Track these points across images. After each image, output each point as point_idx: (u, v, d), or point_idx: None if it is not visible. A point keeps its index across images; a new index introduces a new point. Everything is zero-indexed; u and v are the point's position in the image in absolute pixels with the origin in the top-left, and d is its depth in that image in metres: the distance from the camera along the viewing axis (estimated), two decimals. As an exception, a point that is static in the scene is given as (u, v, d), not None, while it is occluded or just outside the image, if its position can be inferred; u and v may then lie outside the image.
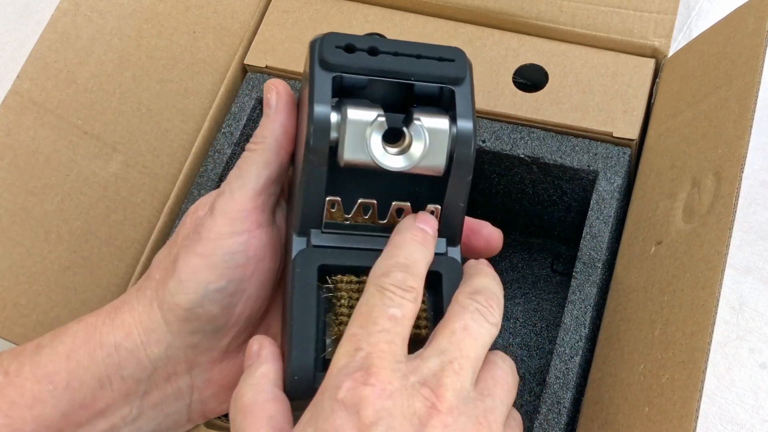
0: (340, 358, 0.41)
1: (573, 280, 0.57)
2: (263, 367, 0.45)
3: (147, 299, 0.49)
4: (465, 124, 0.46)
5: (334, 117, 0.45)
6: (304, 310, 0.46)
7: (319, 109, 0.45)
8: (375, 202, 0.48)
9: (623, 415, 0.47)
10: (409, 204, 0.48)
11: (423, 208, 0.48)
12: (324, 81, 0.46)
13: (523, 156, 0.62)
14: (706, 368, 0.41)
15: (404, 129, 0.46)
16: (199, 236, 0.48)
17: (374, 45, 0.46)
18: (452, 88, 0.47)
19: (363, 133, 0.45)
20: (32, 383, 0.49)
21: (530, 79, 0.65)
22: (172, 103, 0.64)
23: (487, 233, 0.52)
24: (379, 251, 0.47)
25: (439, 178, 0.47)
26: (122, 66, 0.62)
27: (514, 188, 0.66)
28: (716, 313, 0.43)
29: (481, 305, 0.43)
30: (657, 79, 0.63)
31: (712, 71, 0.55)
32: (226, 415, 0.54)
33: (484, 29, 0.67)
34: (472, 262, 0.48)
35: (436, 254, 0.48)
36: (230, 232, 0.48)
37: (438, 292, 0.47)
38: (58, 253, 0.58)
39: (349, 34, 0.47)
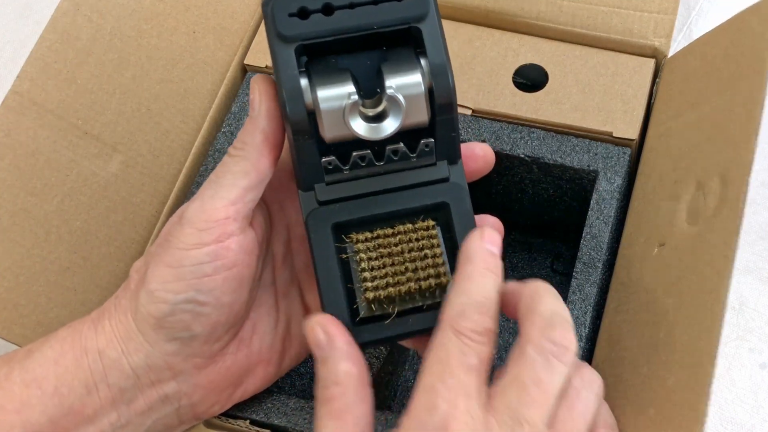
0: (419, 412, 0.40)
1: (573, 280, 0.57)
2: (345, 363, 0.44)
3: (123, 308, 0.49)
4: (438, 60, 0.45)
5: (305, 83, 0.45)
6: (329, 277, 0.47)
7: (292, 102, 0.44)
8: (369, 152, 0.47)
9: (626, 417, 0.47)
10: (402, 144, 0.47)
11: (417, 145, 0.47)
12: (287, 58, 0.45)
13: (523, 156, 0.62)
14: (714, 372, 0.41)
15: (381, 103, 0.45)
16: (168, 245, 0.47)
17: (328, 1, 0.45)
18: (418, 26, 0.45)
19: (339, 114, 0.44)
20: (21, 388, 0.48)
21: (530, 79, 0.65)
22: (172, 103, 0.64)
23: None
24: (384, 191, 0.47)
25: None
26: (122, 66, 0.62)
27: (514, 188, 0.66)
28: (723, 317, 0.43)
29: (556, 345, 0.41)
30: (657, 80, 0.63)
31: (715, 73, 0.55)
32: (225, 414, 0.54)
33: (484, 29, 0.67)
34: (533, 286, 0.45)
35: (438, 181, 0.48)
36: (197, 243, 0.47)
37: (450, 227, 0.48)
38: (58, 253, 0.58)
39: None
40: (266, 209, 0.52)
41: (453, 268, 0.47)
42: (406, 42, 0.46)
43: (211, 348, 0.50)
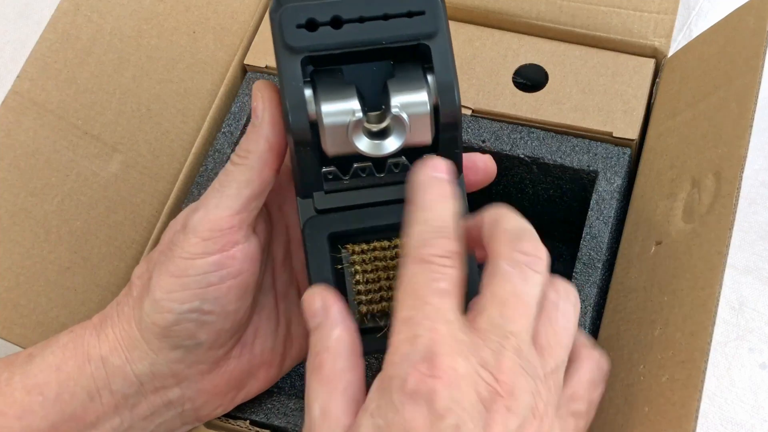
0: (401, 345, 0.39)
1: (573, 280, 0.57)
2: (337, 330, 0.43)
3: (126, 316, 0.49)
4: (445, 79, 0.44)
5: (309, 93, 0.44)
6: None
7: (295, 114, 0.44)
8: (370, 164, 0.47)
9: (623, 415, 0.47)
10: (404, 158, 0.47)
11: (419, 159, 0.46)
12: (292, 69, 0.44)
13: (523, 156, 0.62)
14: (706, 368, 0.41)
15: (385, 120, 0.44)
16: (172, 254, 0.47)
17: (337, 14, 0.44)
18: (427, 43, 0.44)
19: (343, 130, 0.44)
20: (22, 393, 0.48)
21: (530, 79, 0.65)
22: (172, 103, 0.64)
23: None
24: (383, 203, 0.47)
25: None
26: (122, 66, 0.62)
27: (514, 188, 0.66)
28: (716, 313, 0.43)
29: (528, 255, 0.41)
30: (657, 79, 0.63)
31: (711, 71, 0.55)
32: (225, 414, 0.54)
33: (484, 29, 0.66)
34: (493, 210, 0.45)
35: None
36: (202, 253, 0.46)
37: None
38: (58, 253, 0.58)
39: (307, 3, 0.44)
40: (267, 212, 0.52)
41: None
42: (415, 57, 0.45)
43: (215, 354, 0.50)
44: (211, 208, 0.47)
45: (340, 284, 0.47)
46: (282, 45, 0.44)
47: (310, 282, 0.47)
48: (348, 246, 0.47)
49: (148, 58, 0.63)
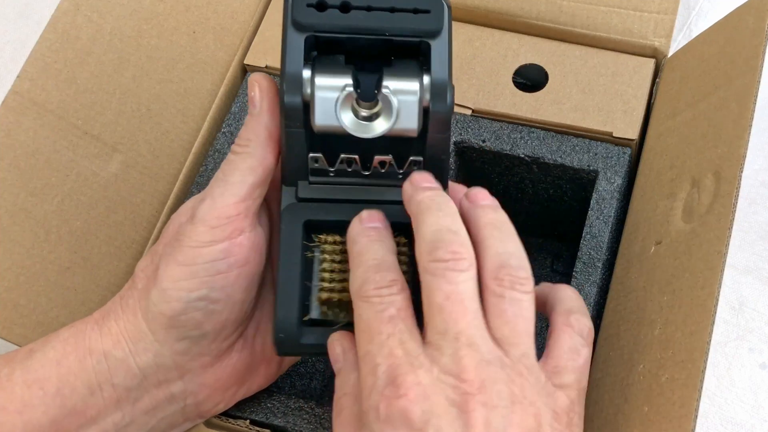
0: (366, 378, 0.41)
1: (573, 280, 0.57)
2: (356, 374, 0.44)
3: (130, 308, 0.49)
4: (440, 78, 0.45)
5: (306, 74, 0.45)
6: (288, 270, 0.47)
7: (290, 86, 0.45)
8: (357, 156, 0.48)
9: (623, 414, 0.47)
10: (390, 156, 0.48)
11: (405, 161, 0.48)
12: (296, 44, 0.45)
13: (523, 156, 0.62)
14: (705, 368, 0.41)
15: (375, 107, 0.45)
16: (179, 244, 0.48)
17: (346, 0, 0.45)
18: (428, 41, 0.46)
19: (333, 103, 0.45)
20: (22, 388, 0.48)
21: (530, 79, 0.65)
22: (172, 103, 0.64)
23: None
24: (364, 202, 0.48)
25: (419, 131, 0.47)
26: (122, 66, 0.62)
27: (514, 188, 0.66)
28: (715, 312, 0.43)
29: (444, 261, 0.42)
30: (657, 79, 0.63)
31: (711, 71, 0.55)
32: (225, 414, 0.54)
33: (484, 29, 0.67)
34: (406, 196, 0.46)
35: None
36: (210, 241, 0.47)
37: None
38: (58, 253, 0.58)
39: None
40: (268, 210, 0.52)
41: (413, 288, 0.47)
42: (415, 56, 0.47)
43: (219, 346, 0.50)
44: (216, 196, 0.48)
45: (307, 270, 0.48)
46: (290, 21, 0.45)
47: (279, 264, 0.48)
48: (321, 236, 0.48)
49: (148, 58, 0.63)
